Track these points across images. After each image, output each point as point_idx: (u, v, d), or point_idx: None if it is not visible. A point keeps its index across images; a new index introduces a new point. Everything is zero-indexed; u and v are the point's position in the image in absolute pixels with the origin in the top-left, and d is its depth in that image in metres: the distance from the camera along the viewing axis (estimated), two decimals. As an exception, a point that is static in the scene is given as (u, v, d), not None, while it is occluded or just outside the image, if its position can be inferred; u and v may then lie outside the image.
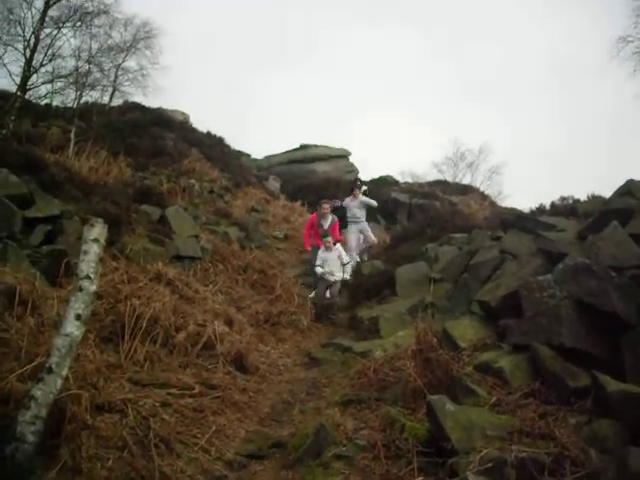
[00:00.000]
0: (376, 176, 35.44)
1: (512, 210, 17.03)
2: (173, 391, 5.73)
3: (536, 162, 75.43)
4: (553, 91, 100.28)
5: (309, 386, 6.94)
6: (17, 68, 18.83)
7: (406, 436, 4.65)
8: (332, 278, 11.06)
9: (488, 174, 41.08)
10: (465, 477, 3.75)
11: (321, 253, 11.38)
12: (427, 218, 16.22)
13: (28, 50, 17.92)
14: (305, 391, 6.76)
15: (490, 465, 3.88)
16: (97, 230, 4.14)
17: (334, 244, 11.38)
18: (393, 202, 26.11)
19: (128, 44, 22.36)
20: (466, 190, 33.13)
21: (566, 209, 10.81)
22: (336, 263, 11.19)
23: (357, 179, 17.76)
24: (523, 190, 57.77)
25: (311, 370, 7.58)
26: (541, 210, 12.21)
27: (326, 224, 12.42)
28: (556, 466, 3.91)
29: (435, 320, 7.53)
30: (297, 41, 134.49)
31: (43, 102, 20.95)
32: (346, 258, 11.53)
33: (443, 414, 4.48)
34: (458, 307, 7.88)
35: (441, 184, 34.40)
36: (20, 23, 18.59)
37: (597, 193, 11.65)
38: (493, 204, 29.70)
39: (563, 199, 13.08)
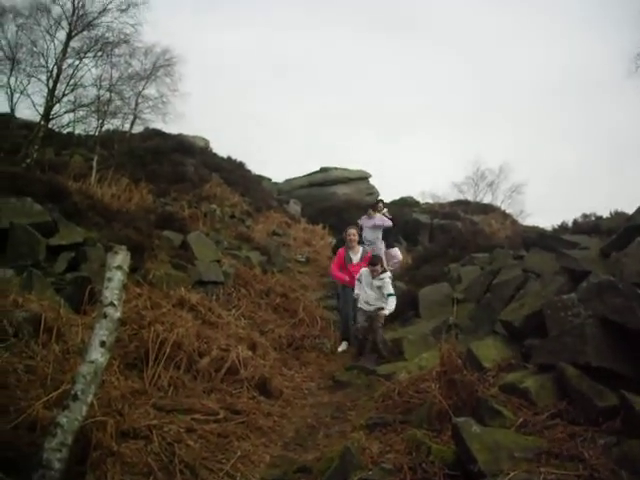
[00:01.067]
0: (397, 197, 35.49)
1: (534, 228, 16.96)
2: (197, 417, 5.73)
3: (559, 180, 75.24)
4: (576, 109, 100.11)
5: (334, 410, 6.91)
6: (40, 98, 19.20)
7: (432, 459, 4.59)
8: (369, 308, 9.16)
9: (509, 193, 40.86)
10: (493, 500, 3.70)
11: (364, 279, 9.43)
12: (449, 238, 16.19)
13: (51, 80, 18.26)
14: (330, 415, 6.73)
15: (518, 488, 3.83)
16: (120, 257, 4.18)
17: (382, 272, 9.33)
18: (414, 223, 26.18)
19: (148, 72, 22.64)
20: (487, 209, 33.07)
21: (589, 226, 10.74)
22: (375, 293, 9.15)
23: (379, 200, 16.11)
24: (546, 208, 57.41)
25: (335, 394, 7.55)
26: (564, 228, 12.15)
27: (356, 258, 10.42)
28: (586, 488, 3.84)
29: (459, 341, 7.48)
30: (320, 65, 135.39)
31: (66, 131, 21.28)
32: (390, 289, 9.22)
33: (469, 436, 4.43)
34: (482, 327, 7.85)
35: (462, 204, 34.40)
36: (43, 55, 19.02)
37: (620, 209, 11.57)
38: (515, 223, 29.60)
39: (585, 216, 13.02)
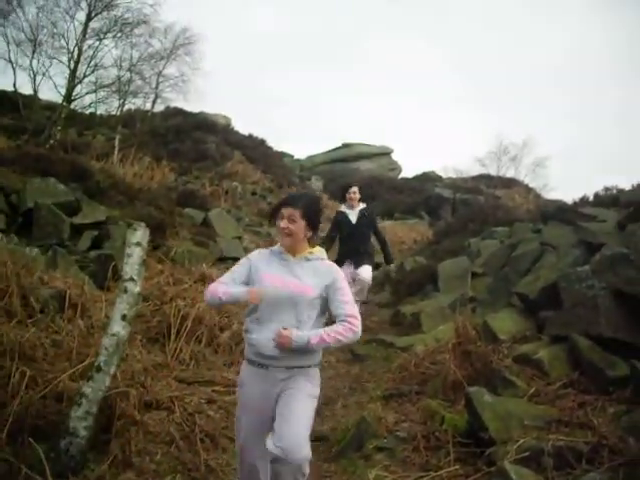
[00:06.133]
0: (419, 172, 35.40)
1: (556, 202, 16.89)
2: (218, 388, 5.87)
3: (588, 155, 74.54)
4: (605, 85, 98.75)
5: (352, 381, 7.02)
6: (62, 80, 19.51)
7: (445, 427, 4.71)
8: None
9: (532, 167, 40.42)
10: (502, 466, 3.79)
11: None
12: (469, 213, 16.18)
13: (72, 62, 18.53)
14: (348, 386, 6.84)
15: (527, 454, 3.93)
16: (139, 234, 4.30)
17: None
18: (436, 198, 26.11)
19: (168, 51, 22.81)
20: (510, 184, 32.88)
21: (609, 199, 10.71)
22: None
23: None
24: (572, 183, 56.94)
25: (354, 366, 7.66)
26: (584, 201, 12.10)
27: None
28: (594, 455, 3.92)
29: (476, 314, 7.57)
30: (342, 41, 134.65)
31: (88, 111, 21.55)
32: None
33: (481, 405, 4.54)
34: (499, 300, 7.89)
35: (484, 178, 34.22)
36: (64, 36, 19.28)
37: (643, 182, 11.48)
38: (538, 197, 29.35)
39: (607, 190, 12.93)
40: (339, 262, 8.24)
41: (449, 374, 5.59)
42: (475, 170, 39.37)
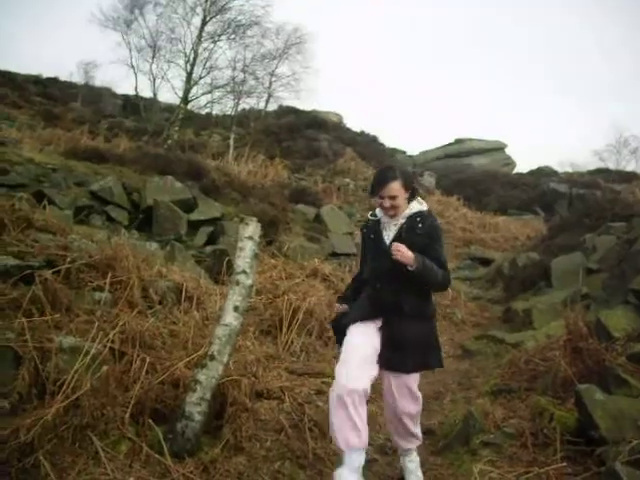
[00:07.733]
0: (534, 167, 34.60)
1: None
2: (328, 380, 5.98)
3: None
4: None
5: (461, 377, 7.01)
6: (179, 82, 20.52)
7: (554, 425, 4.63)
8: None
9: (656, 160, 38.56)
10: (612, 467, 3.71)
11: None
12: (585, 208, 15.71)
13: (188, 65, 19.38)
14: (457, 382, 6.84)
15: (640, 456, 3.84)
16: (251, 228, 4.47)
17: None
18: (552, 193, 25.46)
19: (280, 51, 23.28)
20: (630, 178, 31.51)
21: None
22: None
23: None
24: None
25: (463, 362, 7.64)
26: None
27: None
28: None
29: (590, 311, 7.38)
30: (456, 35, 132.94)
31: (204, 112, 22.37)
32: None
33: (592, 403, 4.44)
34: (614, 297, 7.66)
35: (603, 172, 32.97)
36: (181, 41, 20.28)
37: None
38: (663, 191, 28.00)
39: None
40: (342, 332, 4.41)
41: (559, 371, 5.49)
42: (593, 164, 38.03)
